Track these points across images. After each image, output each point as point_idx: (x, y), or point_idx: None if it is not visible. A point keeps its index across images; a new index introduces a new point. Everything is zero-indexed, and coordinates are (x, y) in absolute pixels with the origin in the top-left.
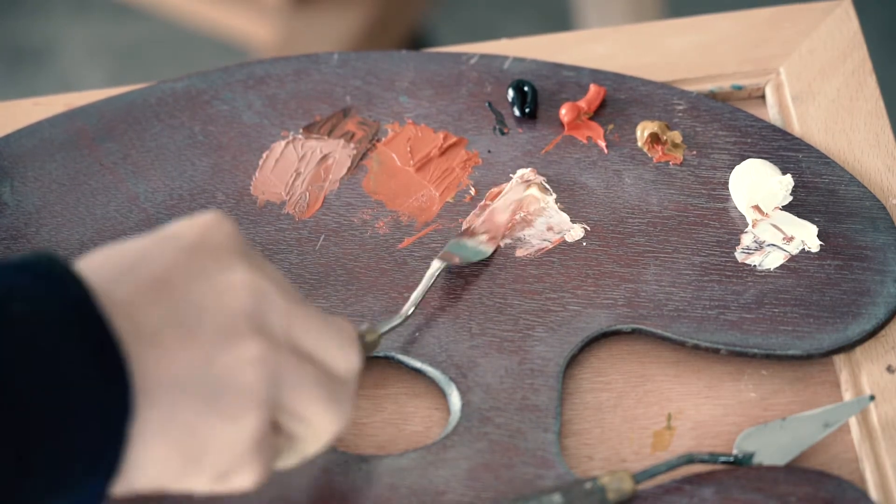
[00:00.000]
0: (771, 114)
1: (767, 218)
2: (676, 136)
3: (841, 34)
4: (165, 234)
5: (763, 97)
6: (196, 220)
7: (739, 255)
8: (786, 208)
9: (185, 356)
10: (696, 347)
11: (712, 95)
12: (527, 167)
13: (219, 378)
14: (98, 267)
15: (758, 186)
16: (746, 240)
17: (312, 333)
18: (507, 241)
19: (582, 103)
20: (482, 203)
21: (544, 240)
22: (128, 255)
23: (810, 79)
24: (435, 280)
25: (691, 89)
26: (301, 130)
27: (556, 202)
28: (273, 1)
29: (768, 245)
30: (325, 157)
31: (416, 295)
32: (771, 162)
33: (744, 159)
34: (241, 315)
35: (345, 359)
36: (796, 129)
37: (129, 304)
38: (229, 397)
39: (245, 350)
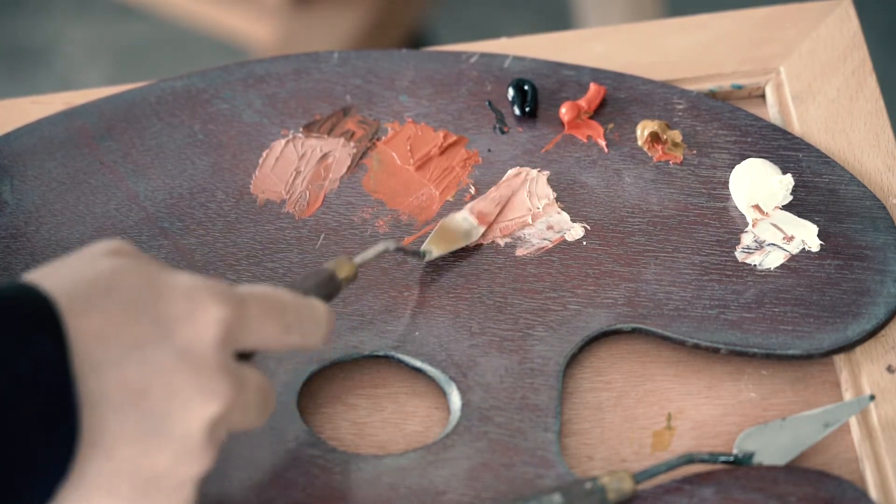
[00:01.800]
0: (771, 113)
1: (767, 217)
2: (676, 135)
3: (841, 34)
4: (160, 320)
5: (763, 97)
6: (194, 316)
7: (739, 255)
8: (786, 208)
9: (131, 474)
10: (696, 347)
11: (712, 95)
12: (529, 166)
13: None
14: (91, 337)
15: (758, 186)
16: (746, 239)
17: (255, 334)
18: (507, 240)
19: (582, 102)
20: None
21: (544, 239)
22: (125, 335)
23: (810, 78)
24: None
25: (691, 89)
26: (301, 129)
27: (557, 201)
28: (273, 1)
29: (768, 244)
30: (324, 156)
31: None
32: (771, 161)
33: (744, 158)
34: (202, 437)
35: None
36: (796, 128)
37: (102, 403)
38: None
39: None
